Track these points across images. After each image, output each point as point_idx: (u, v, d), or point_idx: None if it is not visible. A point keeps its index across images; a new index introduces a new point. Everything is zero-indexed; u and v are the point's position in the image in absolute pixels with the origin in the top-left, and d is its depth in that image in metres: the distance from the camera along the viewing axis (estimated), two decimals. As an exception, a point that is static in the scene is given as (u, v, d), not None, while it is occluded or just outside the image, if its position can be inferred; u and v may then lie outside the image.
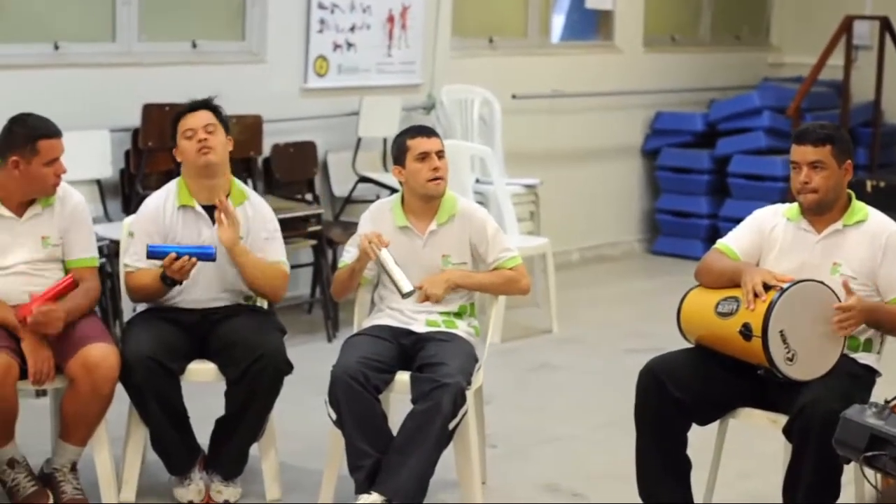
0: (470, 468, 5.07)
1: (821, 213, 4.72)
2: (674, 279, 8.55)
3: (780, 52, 11.82)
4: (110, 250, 6.55)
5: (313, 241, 7.73)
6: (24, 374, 4.78)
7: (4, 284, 4.94)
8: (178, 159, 5.24)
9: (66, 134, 5.02)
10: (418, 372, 4.94)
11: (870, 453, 3.93)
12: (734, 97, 10.71)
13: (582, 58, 10.25)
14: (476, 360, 5.09)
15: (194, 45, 7.80)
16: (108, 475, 5.00)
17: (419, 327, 5.16)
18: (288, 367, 5.07)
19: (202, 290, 5.18)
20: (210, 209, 5.20)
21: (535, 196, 8.91)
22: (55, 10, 7.28)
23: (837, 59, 10.21)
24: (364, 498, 4.77)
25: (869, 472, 4.11)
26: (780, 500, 4.55)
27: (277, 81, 8.09)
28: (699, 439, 4.81)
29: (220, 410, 5.13)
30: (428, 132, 5.26)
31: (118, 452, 5.12)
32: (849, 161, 4.70)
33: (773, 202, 5.04)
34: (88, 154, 6.99)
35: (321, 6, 8.22)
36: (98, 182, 7.21)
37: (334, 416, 4.90)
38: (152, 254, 5.02)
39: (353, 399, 4.83)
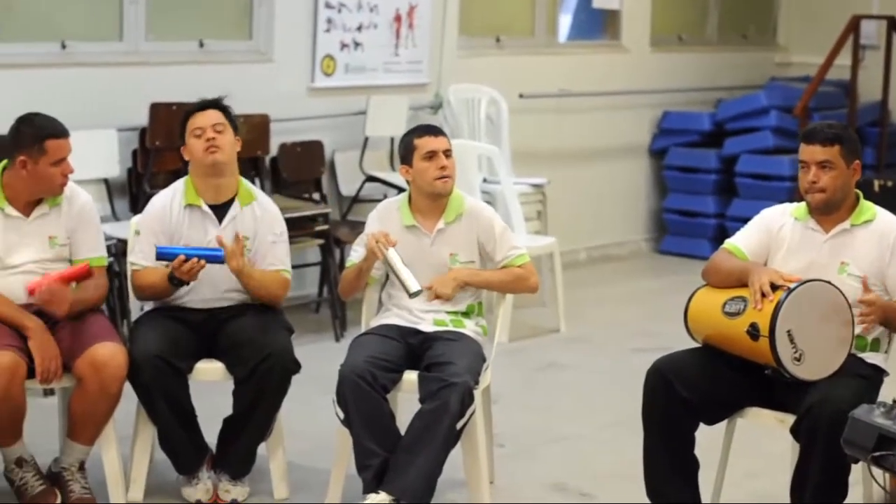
0: (477, 467, 5.07)
1: (828, 212, 4.72)
2: (681, 279, 8.53)
3: (788, 51, 11.80)
4: (118, 249, 6.56)
5: (321, 241, 7.74)
6: (31, 373, 4.79)
7: (12, 284, 4.94)
8: (186, 158, 5.25)
9: (73, 133, 5.02)
10: (426, 371, 4.94)
11: (878, 453, 3.93)
12: (741, 97, 10.70)
13: (589, 57, 10.25)
14: (484, 360, 5.09)
15: (201, 45, 7.81)
16: (116, 474, 5.01)
17: (427, 326, 5.16)
18: (296, 367, 5.07)
19: (210, 289, 5.18)
20: (217, 208, 5.21)
21: (543, 195, 8.90)
22: (62, 10, 7.30)
23: (845, 59, 10.20)
24: (372, 497, 4.77)
25: (877, 471, 4.12)
26: (788, 500, 4.54)
27: (285, 81, 8.09)
28: (707, 439, 4.80)
29: (228, 409, 5.13)
30: (435, 131, 5.26)
31: (126, 451, 5.13)
32: (857, 161, 4.71)
33: (781, 202, 5.03)
34: (96, 153, 7.01)
35: (328, 5, 8.22)
36: (105, 181, 7.22)
37: (342, 416, 4.90)
38: (161, 255, 5.03)
39: (361, 398, 4.83)
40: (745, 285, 4.61)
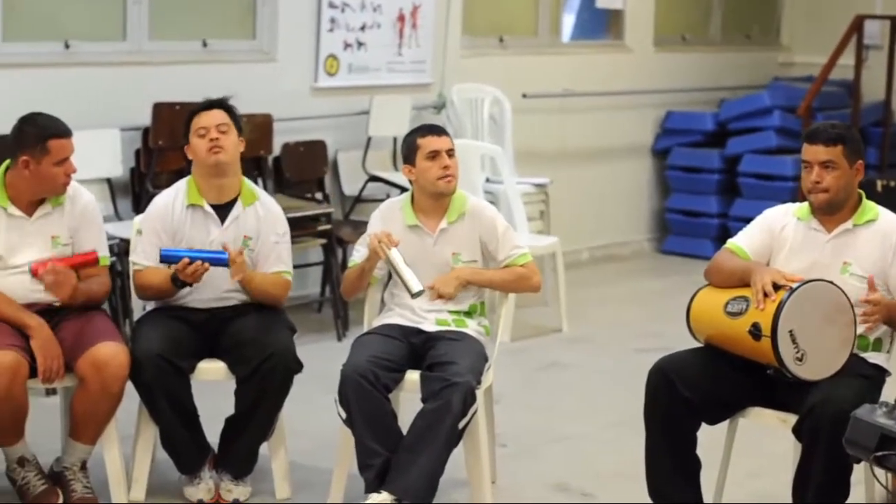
0: (480, 467, 5.07)
1: (831, 212, 4.72)
2: (683, 279, 8.54)
3: (791, 51, 11.80)
4: (121, 249, 6.55)
5: (323, 240, 7.74)
6: (33, 373, 4.79)
7: (14, 284, 4.94)
8: (189, 156, 5.25)
9: (76, 133, 5.02)
10: (428, 371, 4.94)
11: (880, 453, 3.92)
12: (744, 97, 10.70)
13: (592, 57, 10.25)
14: (486, 360, 5.09)
15: (205, 44, 7.81)
16: (118, 474, 5.01)
17: (429, 326, 5.15)
18: (298, 366, 5.07)
19: (211, 289, 5.17)
20: (219, 208, 5.21)
21: (546, 195, 8.90)
22: (66, 9, 7.30)
23: (848, 59, 10.20)
24: (374, 497, 4.77)
25: (879, 471, 4.10)
26: (790, 500, 4.54)
27: (288, 80, 8.10)
28: (709, 439, 4.80)
29: (230, 409, 5.13)
30: (438, 131, 5.26)
31: (128, 451, 5.13)
32: (860, 161, 4.70)
33: (784, 202, 5.03)
34: (99, 153, 7.00)
35: (332, 5, 8.22)
36: (108, 181, 7.22)
37: (344, 415, 4.90)
38: (165, 258, 5.03)
39: (363, 398, 4.83)
40: (747, 285, 4.61)
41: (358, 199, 8.31)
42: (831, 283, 4.54)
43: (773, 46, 11.80)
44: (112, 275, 5.48)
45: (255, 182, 6.04)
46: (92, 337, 4.86)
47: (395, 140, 8.37)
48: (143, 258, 5.19)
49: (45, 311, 4.95)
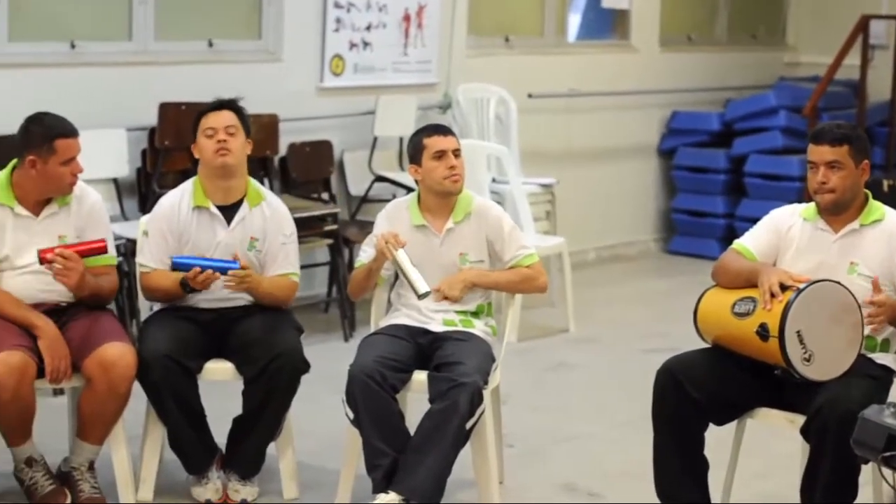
0: (487, 468, 5.07)
1: (838, 212, 4.72)
2: (690, 279, 8.53)
3: (797, 51, 11.80)
4: (127, 249, 6.55)
5: (329, 241, 7.74)
6: (41, 373, 4.79)
7: (20, 283, 4.95)
8: (196, 155, 5.24)
9: (82, 133, 5.02)
10: (435, 371, 4.94)
11: (888, 453, 3.91)
12: (750, 97, 10.69)
13: (598, 57, 10.25)
14: (493, 360, 5.09)
15: (210, 44, 7.81)
16: (125, 474, 5.01)
17: (436, 326, 5.15)
18: (305, 366, 5.07)
19: (219, 289, 5.17)
20: (225, 210, 5.20)
21: (552, 195, 8.90)
22: (71, 9, 7.30)
23: (854, 59, 10.20)
24: (381, 497, 4.77)
25: (887, 472, 4.10)
26: (798, 501, 4.54)
27: (293, 80, 8.10)
28: (716, 439, 4.80)
29: (238, 409, 5.13)
30: (444, 131, 5.26)
31: (136, 451, 5.13)
32: (866, 161, 4.70)
33: (790, 202, 5.03)
34: (105, 153, 7.01)
35: (337, 5, 8.22)
36: (115, 181, 7.22)
37: (351, 416, 4.90)
38: (177, 266, 5.02)
39: (371, 398, 4.83)
40: (754, 286, 4.61)
41: (364, 200, 8.30)
42: (838, 283, 4.54)
43: (778, 46, 11.80)
44: (119, 275, 5.48)
45: (261, 182, 6.04)
46: (99, 337, 4.86)
47: (400, 140, 8.37)
48: (150, 260, 5.19)
49: (53, 312, 4.95)
